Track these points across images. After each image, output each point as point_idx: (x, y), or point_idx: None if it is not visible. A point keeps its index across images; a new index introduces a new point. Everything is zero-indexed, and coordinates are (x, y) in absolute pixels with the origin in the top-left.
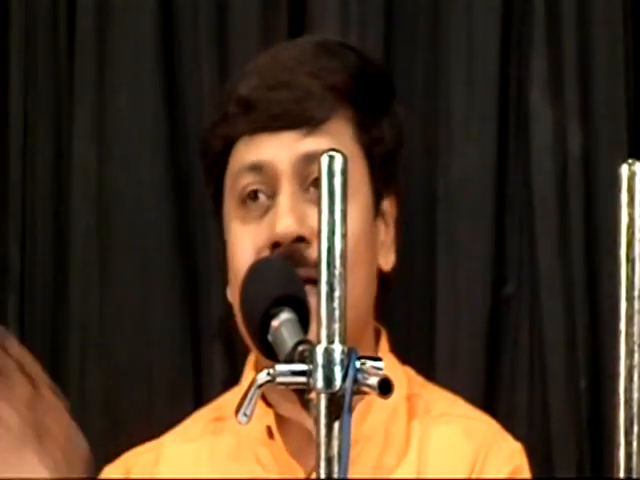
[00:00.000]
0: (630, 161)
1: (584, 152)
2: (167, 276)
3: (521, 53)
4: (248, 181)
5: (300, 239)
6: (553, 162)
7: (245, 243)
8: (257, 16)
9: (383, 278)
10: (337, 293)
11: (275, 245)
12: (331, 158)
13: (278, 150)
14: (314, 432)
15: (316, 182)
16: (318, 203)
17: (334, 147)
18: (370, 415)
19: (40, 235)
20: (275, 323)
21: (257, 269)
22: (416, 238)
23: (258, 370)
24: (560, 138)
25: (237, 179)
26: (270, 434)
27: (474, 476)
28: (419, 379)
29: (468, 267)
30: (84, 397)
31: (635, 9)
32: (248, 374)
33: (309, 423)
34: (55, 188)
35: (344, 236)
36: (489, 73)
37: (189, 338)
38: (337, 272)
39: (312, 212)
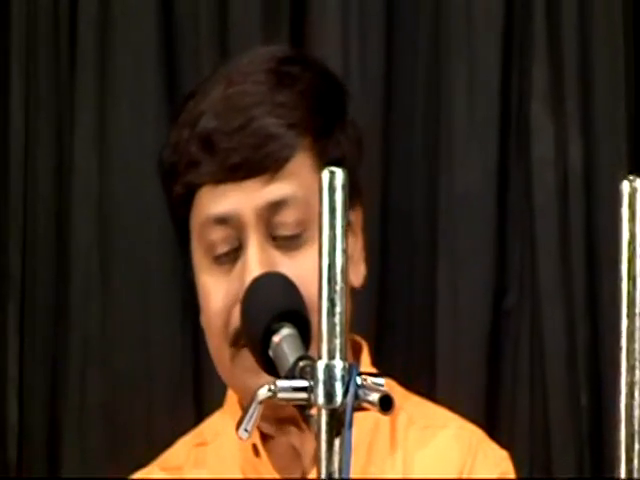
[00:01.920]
0: (631, 177)
1: (585, 164)
2: (168, 288)
3: (522, 65)
4: (214, 236)
5: None
6: (554, 174)
7: (216, 297)
8: (258, 24)
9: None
10: (338, 309)
11: None
12: (332, 174)
13: (242, 201)
14: (299, 448)
15: (284, 227)
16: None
17: (297, 187)
18: (354, 427)
19: (41, 246)
20: (276, 338)
21: (258, 285)
22: (417, 250)
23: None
24: (561, 150)
25: (203, 231)
26: (256, 452)
27: None
28: (401, 391)
29: (469, 278)
30: (84, 409)
31: (636, 22)
32: (231, 396)
33: (293, 439)
34: (56, 199)
35: (345, 252)
36: (490, 85)
37: (190, 350)
38: (338, 288)
39: (281, 260)
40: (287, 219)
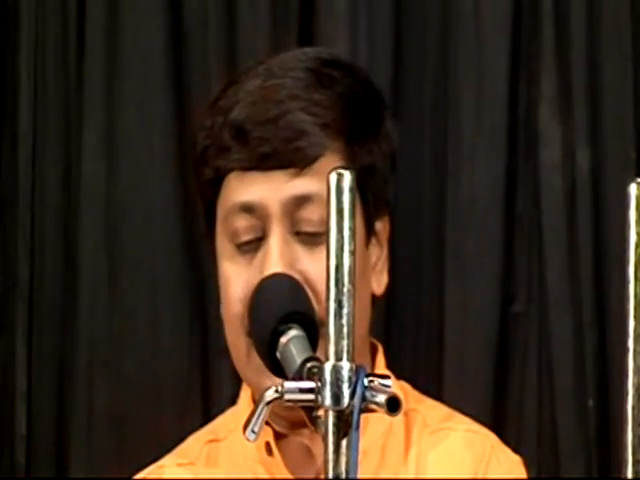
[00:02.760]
0: (639, 181)
1: (593, 170)
2: (176, 292)
3: (530, 72)
4: (239, 223)
5: None
6: (562, 180)
7: (236, 285)
8: (267, 34)
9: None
10: (345, 310)
11: None
12: (340, 175)
13: (268, 191)
14: (312, 448)
15: (307, 223)
16: (327, 232)
17: (323, 189)
18: (367, 430)
19: (49, 251)
20: (283, 340)
21: (265, 286)
22: (425, 256)
23: (253, 393)
24: (569, 156)
25: (228, 218)
26: (269, 451)
27: None
28: (415, 394)
29: (477, 285)
30: (92, 413)
31: None
32: (244, 394)
33: (306, 439)
34: (64, 204)
35: (352, 253)
36: (498, 92)
37: (198, 354)
38: (346, 289)
39: (302, 254)
40: (311, 216)
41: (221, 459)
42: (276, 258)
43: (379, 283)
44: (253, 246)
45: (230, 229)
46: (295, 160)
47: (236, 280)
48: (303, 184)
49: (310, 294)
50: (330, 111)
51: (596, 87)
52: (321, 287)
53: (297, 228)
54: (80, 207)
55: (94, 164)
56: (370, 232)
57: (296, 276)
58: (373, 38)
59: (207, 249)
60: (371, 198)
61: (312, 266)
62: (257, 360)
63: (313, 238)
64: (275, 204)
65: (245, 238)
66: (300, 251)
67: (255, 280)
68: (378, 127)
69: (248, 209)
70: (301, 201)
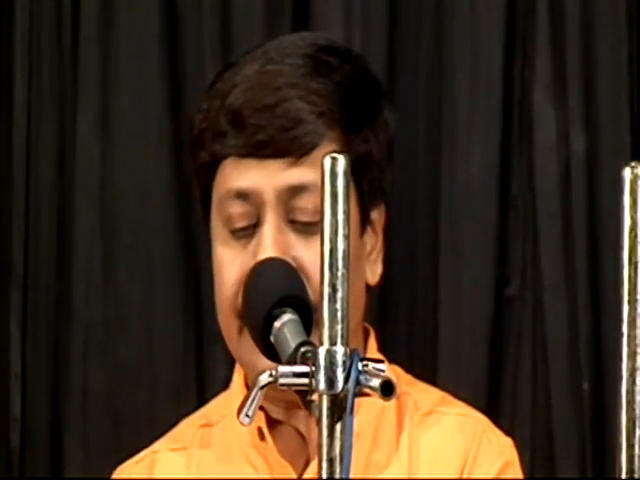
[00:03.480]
0: (633, 164)
1: (587, 154)
2: (170, 276)
3: (525, 55)
4: (233, 209)
5: None
6: (556, 163)
7: (229, 269)
8: (261, 19)
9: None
10: (339, 294)
11: None
12: (334, 160)
13: (264, 179)
14: (305, 433)
15: (302, 212)
16: (321, 201)
17: (319, 178)
18: (359, 413)
19: (43, 235)
20: (277, 324)
21: (260, 270)
22: (419, 239)
23: (247, 374)
24: (563, 139)
25: (223, 203)
26: (261, 436)
27: (466, 470)
28: (407, 377)
29: (471, 268)
30: (86, 397)
31: (639, 11)
32: (237, 378)
33: (300, 425)
34: (58, 187)
35: (347, 237)
36: (492, 74)
37: (192, 339)
38: (340, 273)
39: (297, 243)
40: (306, 205)
41: (214, 443)
42: (269, 245)
43: (373, 273)
44: (247, 232)
45: (224, 214)
46: (291, 149)
47: (230, 264)
48: (299, 173)
49: (304, 281)
50: (327, 100)
51: (591, 70)
52: (315, 274)
53: (292, 217)
54: (74, 191)
55: (88, 148)
56: (365, 221)
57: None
58: (367, 22)
59: (202, 232)
60: (367, 187)
61: (306, 253)
62: (249, 340)
63: (307, 227)
64: (270, 192)
65: (239, 224)
66: (294, 239)
67: (248, 265)
68: (375, 115)
69: (243, 195)
70: (296, 190)
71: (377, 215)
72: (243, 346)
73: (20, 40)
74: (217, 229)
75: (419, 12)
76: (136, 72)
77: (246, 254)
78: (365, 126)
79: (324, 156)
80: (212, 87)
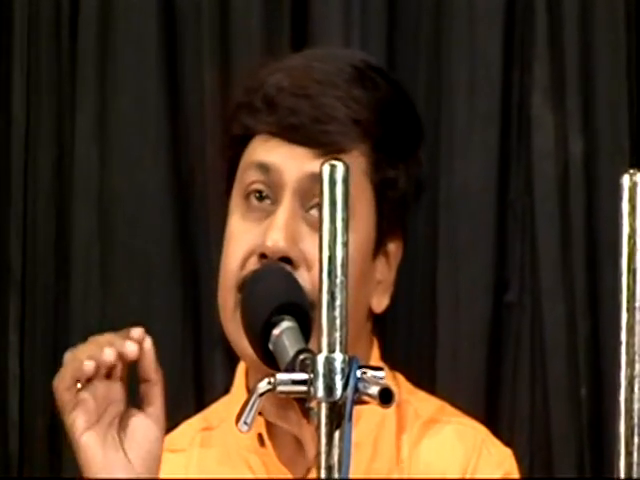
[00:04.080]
0: (632, 171)
1: (586, 158)
2: (168, 280)
3: (523, 59)
4: (254, 178)
5: (287, 261)
6: (555, 168)
7: (239, 241)
8: (260, 22)
9: (377, 317)
10: (338, 302)
11: (263, 256)
12: (332, 167)
13: (288, 160)
14: (304, 440)
15: (319, 206)
16: (320, 223)
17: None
18: (360, 422)
19: (42, 237)
20: (276, 331)
21: (259, 276)
22: (418, 243)
23: (248, 376)
24: (562, 144)
25: (245, 173)
26: (261, 442)
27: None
28: (408, 385)
29: (470, 273)
30: None
31: (638, 15)
32: (239, 382)
33: (299, 431)
34: (57, 189)
35: (345, 244)
36: (491, 78)
37: (191, 342)
38: (338, 280)
39: (306, 234)
40: None
41: (214, 447)
42: (280, 226)
43: (379, 302)
44: (264, 209)
45: (244, 183)
46: (320, 141)
47: (240, 237)
48: None
49: (306, 275)
50: (365, 110)
51: (589, 75)
52: (318, 270)
53: (308, 206)
54: (73, 192)
55: (87, 149)
56: (380, 245)
57: (294, 254)
58: (366, 25)
59: (200, 235)
60: (387, 212)
61: (314, 248)
62: (241, 320)
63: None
64: (292, 174)
65: (256, 193)
66: (305, 230)
67: (258, 242)
68: (409, 148)
69: (265, 169)
70: (319, 179)
71: (394, 248)
72: (236, 322)
73: (19, 42)
74: (235, 200)
75: (418, 15)
76: (134, 74)
77: (257, 231)
78: (397, 153)
79: (322, 163)
80: (256, 71)
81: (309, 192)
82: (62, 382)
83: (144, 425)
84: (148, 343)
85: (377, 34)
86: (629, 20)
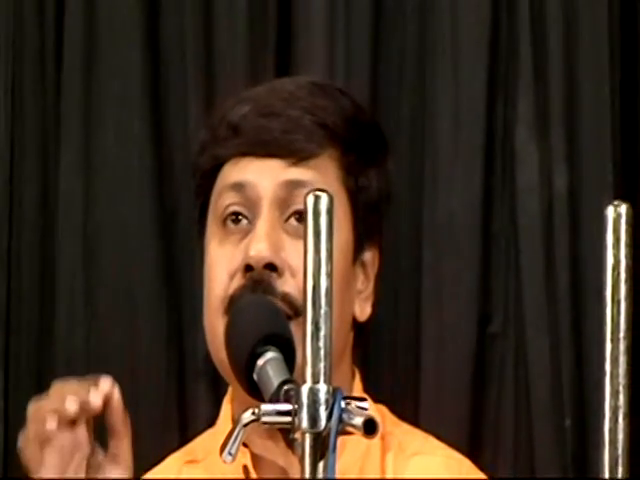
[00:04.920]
0: (616, 202)
1: (570, 192)
2: (152, 312)
3: (507, 93)
4: (230, 201)
5: (272, 268)
6: (539, 201)
7: (220, 265)
8: (244, 54)
9: (359, 327)
10: (322, 332)
11: (248, 269)
12: (317, 198)
13: (262, 174)
14: (290, 470)
15: (297, 214)
16: (304, 239)
17: (319, 180)
18: (344, 452)
19: (26, 268)
20: (260, 362)
21: (243, 308)
22: (402, 274)
23: (234, 408)
24: (546, 178)
25: (220, 197)
26: (246, 473)
27: None
28: (392, 418)
29: (454, 304)
30: None
31: (622, 50)
32: (224, 414)
33: (285, 461)
34: (42, 222)
35: (329, 275)
36: (475, 112)
37: (174, 375)
38: (322, 311)
39: (288, 243)
40: (302, 202)
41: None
42: (262, 237)
43: (362, 310)
44: (241, 230)
45: (220, 208)
46: (291, 150)
47: (221, 262)
48: (297, 172)
49: (292, 282)
50: (331, 115)
51: (573, 109)
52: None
53: (287, 213)
54: (57, 224)
55: (71, 182)
56: (358, 251)
57: (278, 262)
58: (350, 59)
59: (184, 265)
60: (361, 216)
61: (296, 255)
62: (225, 350)
63: (300, 228)
64: (267, 187)
65: (234, 210)
66: (286, 239)
67: (239, 261)
68: (377, 158)
69: (239, 188)
70: (294, 186)
71: (370, 257)
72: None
73: (3, 75)
74: (212, 228)
75: (402, 50)
76: (119, 107)
77: (237, 251)
78: (367, 157)
79: (307, 194)
80: (217, 108)
81: (286, 201)
82: (27, 443)
83: (112, 469)
84: (116, 395)
85: (361, 66)
86: (613, 55)
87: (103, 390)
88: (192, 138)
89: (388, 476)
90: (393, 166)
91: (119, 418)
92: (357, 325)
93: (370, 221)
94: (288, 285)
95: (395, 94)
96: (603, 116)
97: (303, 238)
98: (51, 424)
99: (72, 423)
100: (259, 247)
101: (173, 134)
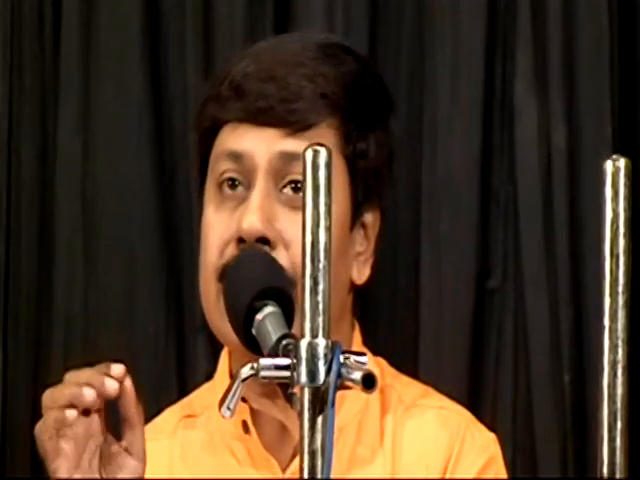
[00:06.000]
0: (614, 157)
1: (569, 146)
2: (151, 270)
3: (506, 48)
4: (226, 167)
5: (264, 241)
6: (538, 156)
7: (215, 231)
8: (242, 15)
9: (359, 289)
10: (321, 287)
11: (240, 240)
12: (315, 152)
13: (258, 143)
14: (288, 425)
15: (292, 184)
16: (302, 203)
17: None
18: (343, 406)
19: (25, 228)
20: (259, 316)
21: (240, 262)
22: (400, 232)
23: (231, 362)
24: (545, 132)
25: (216, 163)
26: (245, 428)
27: (450, 466)
28: (392, 370)
29: (452, 260)
30: None
31: (621, 4)
32: (222, 369)
33: (284, 417)
34: (40, 181)
35: (328, 229)
36: (474, 67)
37: (173, 331)
38: (321, 266)
39: (282, 214)
40: (298, 174)
41: (198, 433)
42: (255, 210)
43: (360, 273)
44: (238, 197)
45: (217, 173)
46: (289, 121)
47: (216, 228)
48: (294, 143)
49: (284, 254)
50: (331, 84)
51: (572, 63)
52: (297, 249)
53: (282, 183)
54: (56, 184)
55: (70, 141)
56: (356, 217)
57: (271, 234)
58: (349, 13)
59: (183, 226)
60: (360, 183)
61: (290, 227)
62: (224, 306)
63: (295, 198)
64: (263, 156)
65: (229, 181)
66: (280, 210)
67: (233, 229)
68: (379, 119)
69: (236, 157)
70: (290, 158)
71: (371, 219)
72: (218, 311)
73: (2, 35)
74: (209, 192)
75: (400, 8)
76: (117, 67)
77: (232, 219)
78: (367, 123)
79: (305, 148)
80: (223, 66)
81: (281, 171)
82: (45, 432)
83: (125, 460)
84: (128, 382)
85: (359, 23)
86: (611, 8)
87: (117, 376)
88: (190, 98)
89: (387, 429)
90: (393, 129)
91: (132, 406)
92: (356, 287)
93: (370, 185)
94: (281, 257)
95: (393, 52)
96: (602, 70)
97: (302, 205)
98: (71, 412)
99: (85, 412)
100: (251, 219)
101: (171, 94)
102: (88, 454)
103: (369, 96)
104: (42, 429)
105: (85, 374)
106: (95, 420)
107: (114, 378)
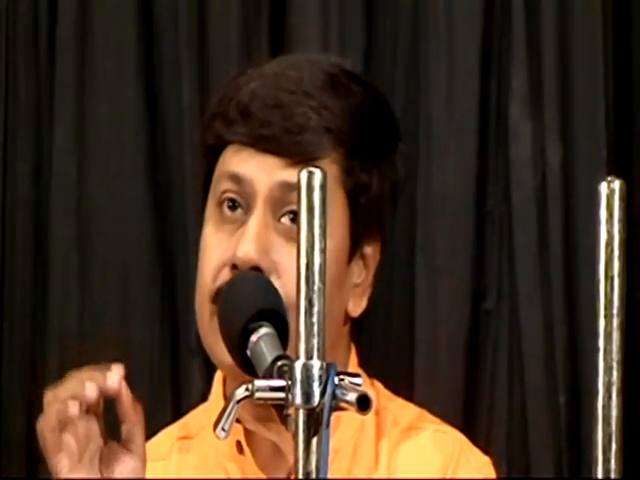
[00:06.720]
0: (609, 178)
1: (563, 167)
2: (146, 289)
3: (501, 68)
4: (226, 187)
5: (257, 270)
6: (532, 177)
7: (212, 254)
8: (237, 33)
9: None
10: (316, 308)
11: (234, 267)
12: (310, 174)
13: (260, 170)
14: (283, 447)
15: (290, 214)
16: (298, 214)
17: None
18: (339, 428)
19: (20, 247)
20: (254, 338)
21: (235, 283)
22: (395, 252)
23: (226, 386)
24: (539, 153)
25: (218, 182)
26: (240, 449)
27: None
28: (387, 393)
29: (447, 281)
30: None
31: (615, 25)
32: (216, 390)
33: (278, 438)
34: (35, 200)
35: (323, 251)
36: (469, 88)
37: (168, 350)
38: (316, 287)
39: (277, 244)
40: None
41: (193, 456)
42: (251, 238)
43: (356, 305)
44: (237, 220)
45: (218, 192)
46: (292, 152)
47: (213, 249)
48: (295, 174)
49: (277, 283)
50: (337, 118)
51: (567, 84)
52: (289, 279)
53: (281, 212)
54: (51, 203)
55: (65, 160)
56: (355, 250)
57: (265, 265)
58: (344, 36)
59: (178, 245)
60: (362, 217)
61: (285, 258)
62: (217, 327)
63: (292, 229)
64: (264, 184)
65: (230, 197)
66: (276, 240)
67: (229, 254)
68: (383, 151)
69: (237, 180)
70: (290, 188)
71: (371, 251)
72: (212, 332)
73: None
74: (209, 210)
75: (395, 25)
76: (113, 84)
77: (229, 243)
78: (371, 157)
79: (300, 170)
80: (233, 79)
81: (281, 201)
82: (47, 425)
83: (125, 459)
84: (124, 385)
85: (355, 43)
86: (606, 29)
87: (119, 373)
88: (185, 118)
89: (382, 452)
90: (402, 157)
91: (130, 406)
92: (352, 321)
93: (370, 218)
94: None
95: (389, 70)
96: (596, 91)
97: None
98: (74, 409)
99: (84, 413)
100: (247, 248)
101: (167, 114)
102: (89, 455)
103: (375, 130)
104: (44, 422)
105: (87, 373)
106: (93, 423)
107: (115, 374)
